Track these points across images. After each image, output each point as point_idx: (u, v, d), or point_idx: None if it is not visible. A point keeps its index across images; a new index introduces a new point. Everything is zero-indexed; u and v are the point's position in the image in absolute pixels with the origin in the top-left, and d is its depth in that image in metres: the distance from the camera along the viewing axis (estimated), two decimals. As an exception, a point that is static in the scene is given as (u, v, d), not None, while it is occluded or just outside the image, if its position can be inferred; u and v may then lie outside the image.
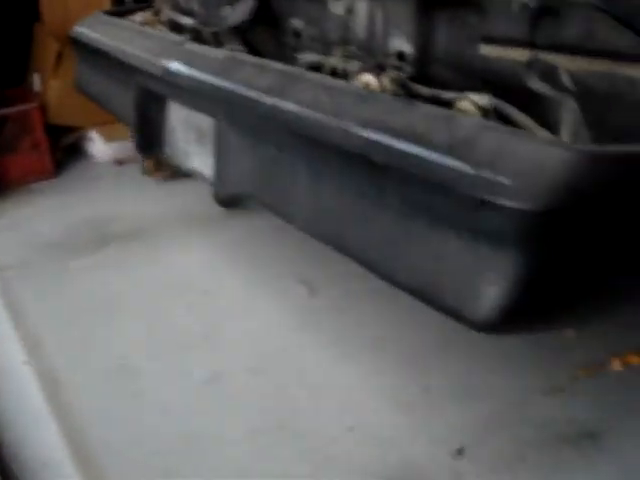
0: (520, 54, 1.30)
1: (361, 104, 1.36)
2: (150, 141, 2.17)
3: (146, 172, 3.32)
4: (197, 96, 1.84)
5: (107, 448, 1.81)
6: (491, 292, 1.13)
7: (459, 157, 1.13)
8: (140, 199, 3.25)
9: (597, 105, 1.20)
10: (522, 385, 2.01)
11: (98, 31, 2.38)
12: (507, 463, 1.76)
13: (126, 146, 3.49)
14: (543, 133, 1.22)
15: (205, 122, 1.91)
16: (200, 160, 2.00)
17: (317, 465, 1.78)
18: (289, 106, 1.47)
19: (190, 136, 2.04)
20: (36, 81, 3.66)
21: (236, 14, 1.89)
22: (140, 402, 2.00)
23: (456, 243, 1.17)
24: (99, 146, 3.61)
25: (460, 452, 1.80)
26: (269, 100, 1.52)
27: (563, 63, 1.23)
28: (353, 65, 1.58)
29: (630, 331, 2.18)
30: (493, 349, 2.16)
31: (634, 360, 2.09)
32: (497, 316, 1.13)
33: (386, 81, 1.39)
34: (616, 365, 2.07)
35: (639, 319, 2.26)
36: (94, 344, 2.26)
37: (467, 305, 1.16)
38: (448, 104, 1.31)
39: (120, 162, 3.60)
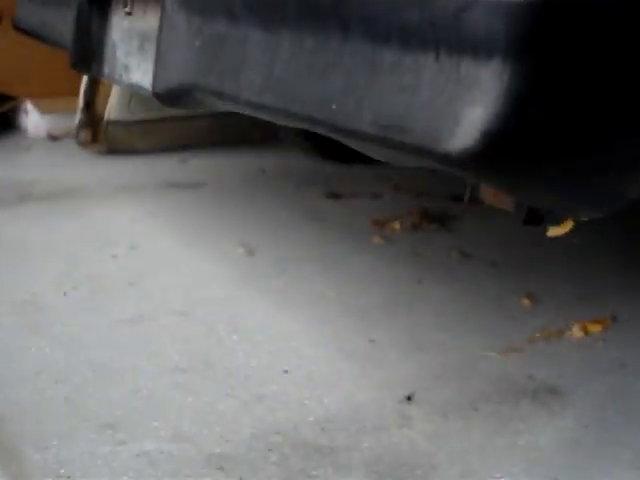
0: None
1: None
2: (88, 57, 1.97)
3: (81, 143, 3.10)
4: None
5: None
6: (473, 114, 0.95)
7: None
8: (71, 167, 3.03)
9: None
10: (475, 343, 1.83)
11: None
12: (459, 411, 1.56)
13: (63, 120, 3.29)
14: None
15: (150, 22, 1.74)
16: (141, 70, 1.81)
17: (245, 402, 1.55)
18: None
19: (132, 46, 1.86)
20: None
21: None
22: (44, 335, 1.74)
23: (429, 63, 1.00)
24: (33, 118, 3.38)
25: (409, 399, 1.59)
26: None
27: None
28: None
29: (587, 302, 2.05)
30: (445, 309, 1.99)
31: (595, 327, 1.93)
32: (479, 144, 0.95)
33: None
34: (576, 331, 1.91)
35: (596, 290, 2.15)
36: (4, 283, 2.00)
37: (444, 135, 0.98)
38: None
39: (55, 137, 3.37)
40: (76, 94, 3.13)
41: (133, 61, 1.88)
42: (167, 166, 3.12)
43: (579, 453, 1.45)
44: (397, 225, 2.57)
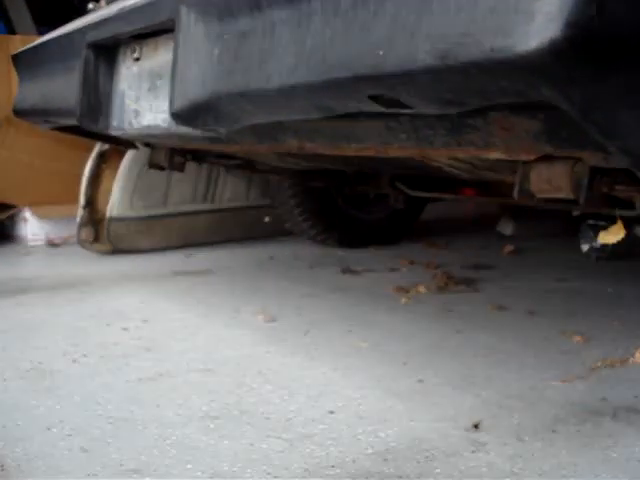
0: None
1: None
2: (95, 111, 1.88)
3: (83, 243, 2.98)
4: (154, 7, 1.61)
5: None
6: (549, 5, 0.85)
7: None
8: (73, 265, 2.88)
9: None
10: (533, 376, 1.65)
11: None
12: (536, 434, 1.36)
13: (62, 226, 3.19)
14: None
15: (162, 57, 1.67)
16: (153, 110, 1.73)
17: (290, 440, 1.34)
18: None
19: (142, 89, 1.78)
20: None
21: None
22: (52, 395, 1.54)
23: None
24: (32, 226, 3.27)
25: (476, 427, 1.40)
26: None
27: None
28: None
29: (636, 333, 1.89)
30: (492, 352, 1.81)
31: (660, 353, 1.76)
32: (561, 35, 0.84)
33: None
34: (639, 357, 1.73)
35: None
36: (7, 355, 1.81)
37: (516, 34, 0.87)
38: None
39: (55, 244, 3.26)
40: (75, 201, 3.04)
41: (144, 104, 1.79)
42: (173, 259, 2.99)
43: (684, 462, 1.24)
44: (422, 288, 2.42)
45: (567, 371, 1.67)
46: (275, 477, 1.22)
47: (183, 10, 1.49)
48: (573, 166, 1.32)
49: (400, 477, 1.21)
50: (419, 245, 3.29)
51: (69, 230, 3.16)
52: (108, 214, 2.97)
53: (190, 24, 1.48)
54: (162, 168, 2.51)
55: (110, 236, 3.00)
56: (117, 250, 3.05)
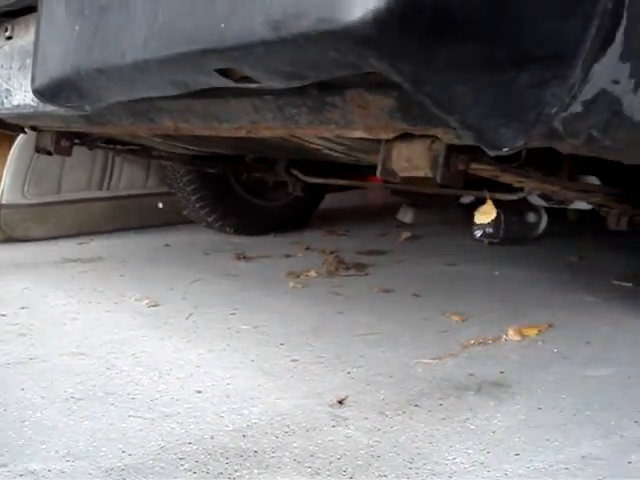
0: None
1: None
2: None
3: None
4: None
5: None
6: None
7: None
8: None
9: None
10: (407, 354, 1.68)
11: None
12: (398, 409, 1.38)
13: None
14: None
15: (32, 35, 1.62)
16: (23, 89, 1.69)
17: (152, 419, 1.33)
18: None
19: (14, 68, 1.73)
20: None
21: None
22: None
23: None
24: None
25: (340, 403, 1.41)
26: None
27: None
28: None
29: (519, 315, 1.95)
30: (371, 331, 1.84)
31: (531, 331, 1.82)
32: (384, 8, 0.86)
33: None
34: (512, 335, 1.78)
35: (527, 306, 2.05)
36: None
37: (343, 5, 0.88)
38: None
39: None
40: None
41: (15, 83, 1.74)
42: (65, 247, 2.92)
43: (537, 431, 1.29)
44: (313, 272, 2.43)
45: (441, 349, 1.71)
46: (129, 454, 1.20)
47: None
48: (431, 144, 1.35)
49: (256, 452, 1.21)
50: (319, 232, 3.31)
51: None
52: (-2, 201, 2.88)
53: (52, 0, 1.44)
54: (49, 153, 2.44)
55: (1, 224, 2.91)
56: (10, 239, 2.96)
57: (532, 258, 2.74)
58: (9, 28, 1.77)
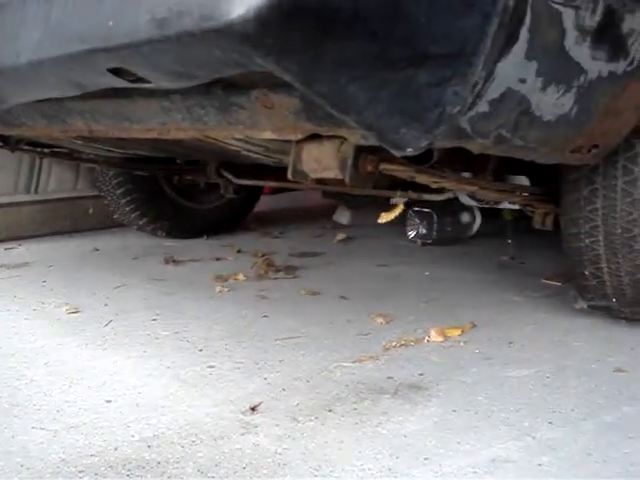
0: None
1: None
2: None
3: None
4: None
5: None
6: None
7: None
8: None
9: None
10: (328, 358, 1.66)
11: None
12: (311, 414, 1.36)
13: None
14: None
15: None
16: None
17: (55, 431, 1.28)
18: None
19: None
20: None
21: None
22: None
23: None
24: None
25: (253, 410, 1.38)
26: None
27: None
28: None
29: (444, 316, 1.94)
30: (293, 335, 1.81)
31: (454, 332, 1.81)
32: (264, 6, 0.83)
33: None
34: (435, 336, 1.77)
35: (451, 307, 2.05)
36: None
37: (223, 2, 0.85)
38: None
39: None
40: None
41: None
42: (-12, 253, 2.84)
43: (449, 434, 1.28)
44: (241, 276, 2.40)
45: (362, 352, 1.69)
46: (27, 468, 1.16)
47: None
48: (339, 146, 1.33)
49: (159, 463, 1.18)
50: (253, 235, 3.28)
51: None
52: None
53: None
54: (-34, 155, 2.37)
55: None
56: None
57: (464, 259, 2.74)
58: None
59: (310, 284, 2.32)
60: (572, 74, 1.28)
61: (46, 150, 2.59)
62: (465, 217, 3.12)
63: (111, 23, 1.02)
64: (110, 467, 1.16)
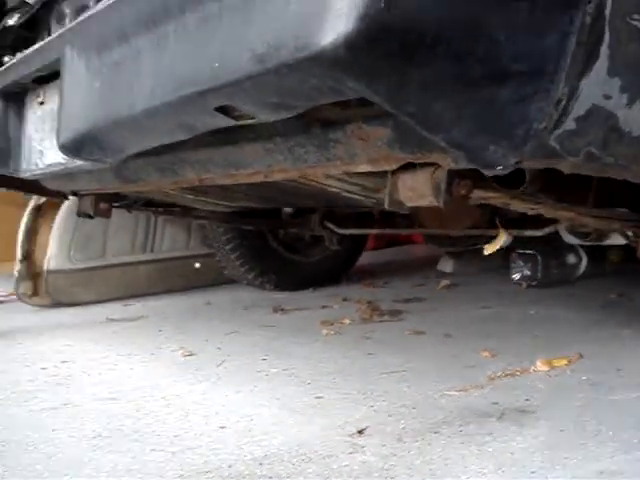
0: None
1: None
2: (5, 156, 1.95)
3: (22, 296, 3.00)
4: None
5: None
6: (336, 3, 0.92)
7: None
8: (7, 318, 2.89)
9: None
10: (434, 388, 1.68)
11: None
12: (417, 436, 1.39)
13: (5, 282, 3.22)
14: None
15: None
16: (54, 148, 1.79)
17: (173, 452, 1.36)
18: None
19: (45, 130, 1.85)
20: None
21: None
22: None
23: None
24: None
25: (360, 432, 1.42)
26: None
27: None
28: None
29: (549, 350, 1.93)
30: (399, 369, 1.85)
31: (560, 362, 1.80)
32: (350, 30, 0.92)
33: None
34: (541, 366, 1.77)
35: (556, 343, 2.04)
36: None
37: (314, 32, 0.94)
38: None
39: (-2, 301, 3.27)
40: (12, 260, 3.08)
41: (47, 144, 1.86)
42: (110, 309, 3.01)
43: (556, 451, 1.28)
44: (347, 320, 2.46)
45: (467, 382, 1.70)
46: (149, 485, 1.24)
47: (67, 49, 1.58)
48: (433, 173, 1.39)
49: (271, 477, 1.23)
50: (358, 286, 3.34)
51: (9, 285, 3.17)
52: (45, 267, 3.00)
53: (74, 61, 1.55)
54: (90, 216, 2.56)
55: (49, 289, 3.02)
56: (57, 303, 3.07)
57: (570, 298, 2.71)
58: (42, 94, 1.90)
59: (414, 325, 2.35)
60: (658, 88, 1.30)
61: (160, 209, 2.76)
62: (571, 258, 3.09)
63: (217, 65, 1.13)
64: (225, 481, 1.22)
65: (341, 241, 3.05)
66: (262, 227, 2.99)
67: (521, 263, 2.95)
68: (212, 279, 3.42)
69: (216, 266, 3.26)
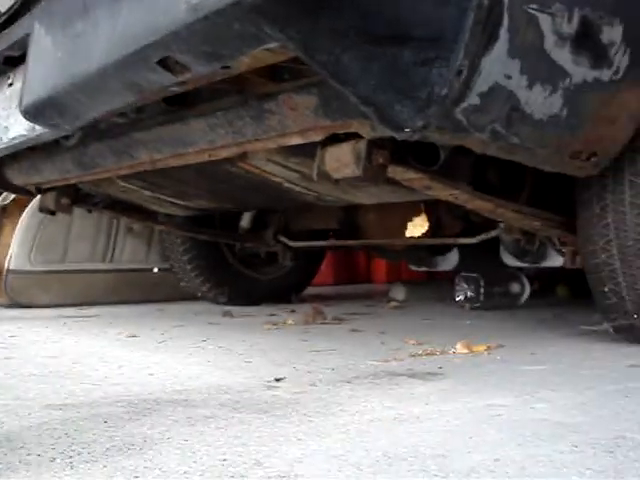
0: None
1: None
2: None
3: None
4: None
5: None
6: None
7: None
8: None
9: None
10: (356, 360, 1.79)
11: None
12: (329, 384, 1.50)
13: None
14: None
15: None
16: (18, 122, 1.93)
17: (100, 386, 1.46)
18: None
19: (12, 107, 1.99)
20: None
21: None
22: None
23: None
24: None
25: (278, 380, 1.53)
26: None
27: None
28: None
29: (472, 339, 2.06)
30: (329, 350, 1.96)
31: (479, 348, 1.92)
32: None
33: None
34: (460, 349, 1.89)
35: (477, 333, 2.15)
36: None
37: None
38: None
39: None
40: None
41: (12, 119, 1.99)
42: (65, 311, 3.10)
43: (452, 394, 1.39)
44: (290, 321, 2.57)
45: (390, 357, 1.82)
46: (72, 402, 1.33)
47: (36, 25, 1.73)
48: (355, 143, 1.54)
49: (186, 400, 1.34)
50: (309, 304, 3.45)
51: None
52: (6, 266, 3.09)
53: (41, 34, 1.70)
54: (52, 212, 2.68)
55: (7, 289, 3.11)
56: (15, 304, 3.15)
57: (508, 314, 2.84)
58: (11, 76, 2.04)
59: (353, 327, 2.47)
60: (556, 75, 1.45)
61: (119, 210, 2.88)
62: (514, 287, 3.23)
63: (160, 17, 1.28)
64: (144, 401, 1.33)
65: (294, 257, 3.18)
66: (218, 238, 3.12)
67: (464, 285, 3.09)
68: (168, 294, 3.51)
69: (173, 281, 3.36)
